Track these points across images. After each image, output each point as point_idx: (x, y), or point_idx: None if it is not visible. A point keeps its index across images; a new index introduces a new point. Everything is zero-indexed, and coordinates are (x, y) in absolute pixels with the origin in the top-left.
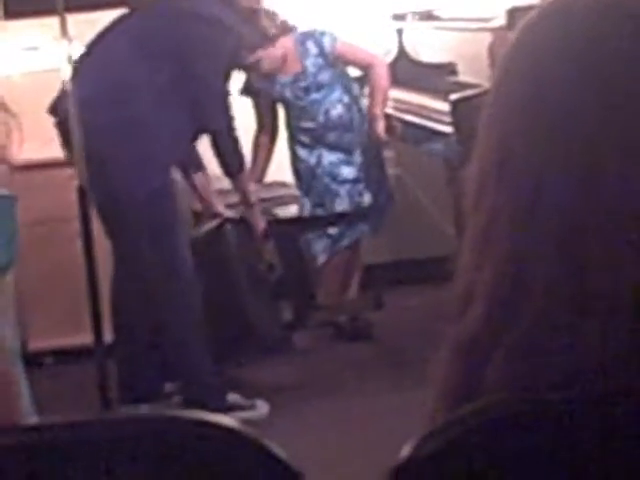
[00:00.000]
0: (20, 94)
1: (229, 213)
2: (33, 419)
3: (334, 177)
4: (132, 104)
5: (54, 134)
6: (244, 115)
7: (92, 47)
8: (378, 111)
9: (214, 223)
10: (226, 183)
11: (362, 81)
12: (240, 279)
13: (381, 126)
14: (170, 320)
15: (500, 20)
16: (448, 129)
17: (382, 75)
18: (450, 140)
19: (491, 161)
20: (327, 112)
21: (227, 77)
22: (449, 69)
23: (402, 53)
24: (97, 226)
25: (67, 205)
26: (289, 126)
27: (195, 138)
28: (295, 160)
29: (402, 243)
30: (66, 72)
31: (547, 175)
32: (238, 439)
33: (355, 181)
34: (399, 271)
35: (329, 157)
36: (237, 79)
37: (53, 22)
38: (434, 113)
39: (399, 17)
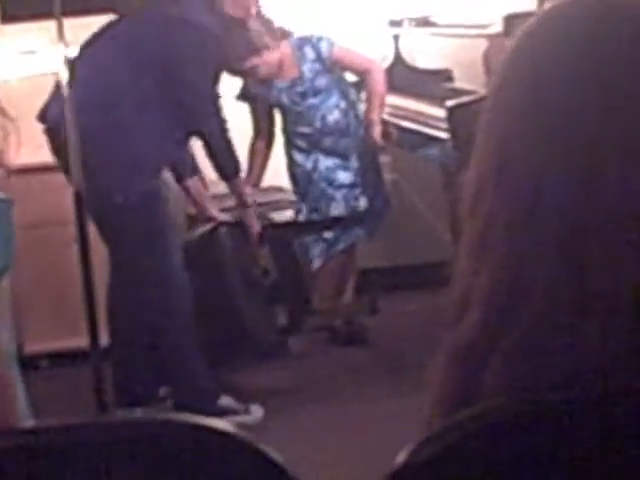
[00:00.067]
0: (17, 98)
1: (223, 217)
2: (29, 422)
3: (330, 182)
4: (118, 109)
5: None
6: (241, 120)
7: (81, 53)
8: (375, 116)
9: (208, 227)
10: (222, 187)
11: (359, 86)
12: (235, 283)
13: (378, 131)
14: (162, 324)
15: (497, 27)
16: (444, 135)
17: (379, 80)
18: (446, 146)
19: (490, 166)
20: (324, 117)
21: (216, 81)
22: (445, 75)
23: (398, 59)
24: (93, 230)
25: (63, 209)
26: (286, 131)
27: (185, 142)
28: (292, 165)
29: (398, 248)
30: (63, 76)
31: (547, 177)
32: (233, 443)
33: (351, 186)
34: (395, 276)
35: (325, 162)
36: (234, 85)
37: (50, 26)
38: (430, 119)
39: (396, 23)
